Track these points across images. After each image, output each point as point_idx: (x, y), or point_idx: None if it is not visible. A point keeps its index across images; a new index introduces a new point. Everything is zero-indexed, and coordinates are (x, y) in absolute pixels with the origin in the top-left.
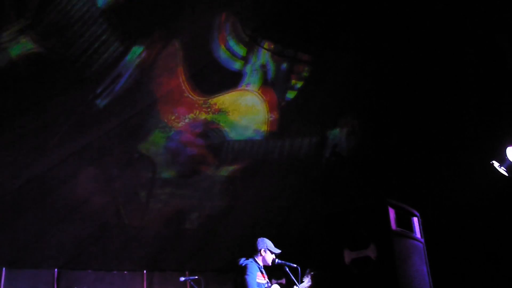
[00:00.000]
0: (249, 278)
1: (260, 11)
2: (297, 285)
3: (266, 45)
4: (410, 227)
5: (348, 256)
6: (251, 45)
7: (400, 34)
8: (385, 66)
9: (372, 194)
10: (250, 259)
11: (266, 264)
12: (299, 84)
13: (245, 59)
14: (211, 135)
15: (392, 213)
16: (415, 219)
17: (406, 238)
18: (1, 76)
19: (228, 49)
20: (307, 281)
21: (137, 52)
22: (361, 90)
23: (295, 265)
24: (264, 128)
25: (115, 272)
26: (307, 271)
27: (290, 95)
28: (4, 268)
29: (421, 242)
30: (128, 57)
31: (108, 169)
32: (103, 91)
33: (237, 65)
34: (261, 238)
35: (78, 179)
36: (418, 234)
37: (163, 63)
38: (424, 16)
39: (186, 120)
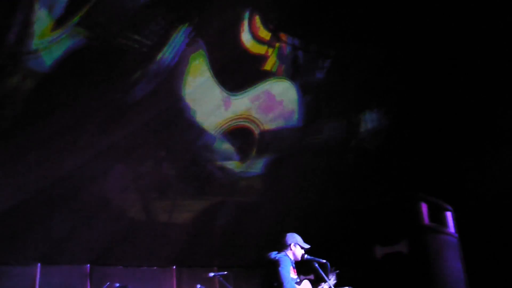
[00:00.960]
0: (283, 270)
1: (283, 6)
2: (327, 281)
3: (289, 40)
4: (444, 222)
5: (379, 251)
6: (275, 40)
7: (431, 24)
8: (415, 58)
9: (404, 188)
10: (283, 253)
11: (296, 259)
12: (324, 76)
13: (271, 52)
14: (239, 130)
15: (424, 207)
16: (449, 214)
17: (439, 233)
18: (32, 76)
19: (254, 42)
20: (332, 279)
21: (163, 51)
22: (389, 83)
23: (324, 261)
24: (290, 120)
25: (145, 268)
26: (332, 269)
27: (316, 87)
28: (39, 264)
29: (455, 237)
30: (156, 54)
31: (136, 167)
32: (130, 89)
33: (263, 57)
34: (291, 233)
35: (107, 177)
36: (452, 229)
37: (189, 59)
38: (458, 5)
39: (213, 117)
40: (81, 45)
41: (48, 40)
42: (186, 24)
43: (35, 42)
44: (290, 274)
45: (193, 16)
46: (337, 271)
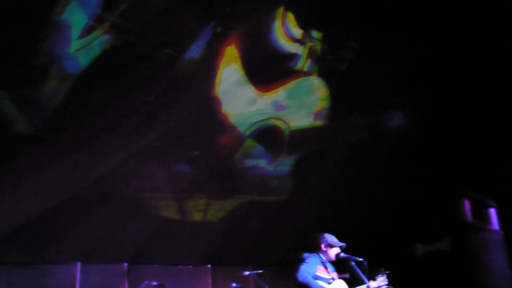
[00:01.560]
0: (303, 266)
1: (314, 3)
2: (365, 281)
3: (318, 36)
4: (487, 219)
5: (420, 250)
6: (307, 38)
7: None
8: (451, 51)
9: (445, 184)
10: (314, 254)
11: (330, 260)
12: (353, 71)
13: (302, 50)
14: (270, 128)
15: (467, 204)
16: (492, 210)
17: (483, 231)
18: (68, 79)
19: (286, 40)
20: (381, 279)
21: (192, 51)
22: (422, 77)
23: (361, 259)
24: (321, 118)
25: (180, 266)
26: (381, 270)
27: (346, 83)
28: (79, 263)
29: (499, 235)
30: (187, 55)
31: (169, 167)
32: (163, 90)
33: (294, 56)
34: (322, 234)
35: (142, 178)
36: (496, 226)
37: (220, 59)
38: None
39: (244, 116)
40: (115, 47)
41: (85, 43)
42: (214, 22)
43: (73, 45)
44: (310, 270)
45: (223, 14)
46: (387, 271)
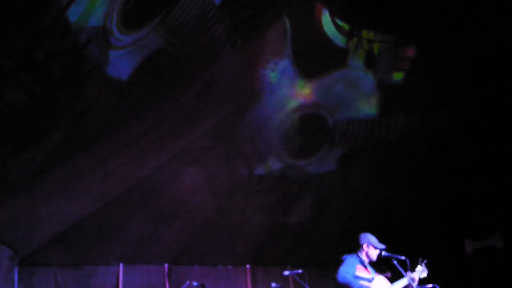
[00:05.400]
0: (341, 267)
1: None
2: (405, 275)
3: (363, 34)
4: None
5: (469, 246)
6: (354, 33)
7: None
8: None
9: (495, 178)
10: (353, 254)
11: (370, 260)
12: (402, 67)
13: (350, 44)
14: (312, 118)
15: None
16: None
17: None
18: (110, 84)
19: (334, 32)
20: (421, 269)
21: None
22: (470, 74)
23: (403, 258)
24: (366, 109)
25: (220, 267)
26: (419, 260)
27: (394, 77)
28: (121, 264)
29: None
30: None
31: (208, 168)
32: (202, 91)
33: (341, 41)
34: (364, 233)
35: (181, 179)
36: None
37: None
38: None
39: (285, 112)
40: (154, 52)
41: (126, 49)
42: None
43: (113, 52)
44: (349, 270)
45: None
46: (425, 261)
